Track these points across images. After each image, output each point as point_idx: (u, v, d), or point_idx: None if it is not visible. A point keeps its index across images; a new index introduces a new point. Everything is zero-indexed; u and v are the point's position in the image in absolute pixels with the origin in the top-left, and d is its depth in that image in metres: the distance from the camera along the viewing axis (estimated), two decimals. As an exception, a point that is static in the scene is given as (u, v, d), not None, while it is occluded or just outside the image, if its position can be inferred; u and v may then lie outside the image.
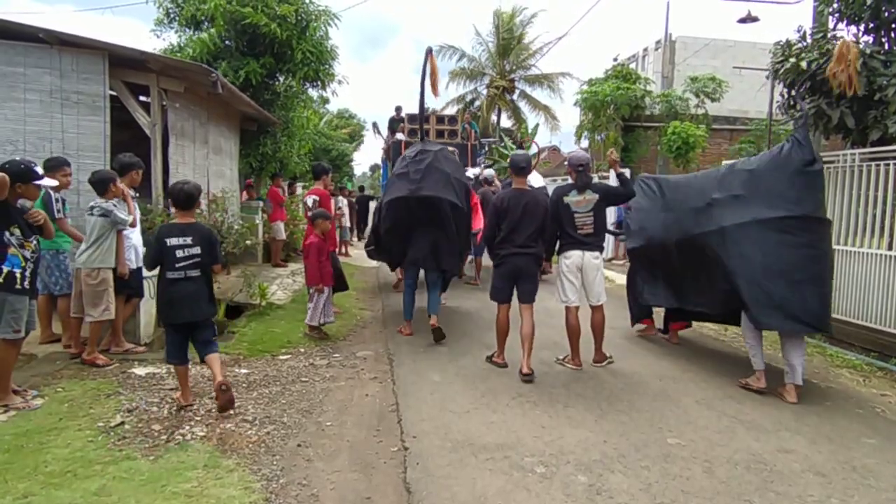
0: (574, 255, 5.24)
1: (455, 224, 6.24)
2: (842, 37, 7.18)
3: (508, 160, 5.50)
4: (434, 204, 6.05)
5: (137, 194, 5.56)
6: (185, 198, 4.12)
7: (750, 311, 4.79)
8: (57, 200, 4.94)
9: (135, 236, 5.35)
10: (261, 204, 11.31)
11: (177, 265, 4.01)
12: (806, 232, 4.75)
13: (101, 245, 4.93)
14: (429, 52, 6.61)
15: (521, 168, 5.32)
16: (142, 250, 5.38)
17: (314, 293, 6.18)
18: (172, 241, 4.01)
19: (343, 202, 15.01)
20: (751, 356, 4.96)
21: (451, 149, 7.73)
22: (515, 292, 5.26)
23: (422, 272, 6.54)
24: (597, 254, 5.28)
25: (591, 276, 5.24)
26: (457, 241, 6.38)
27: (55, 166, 5.00)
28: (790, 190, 4.79)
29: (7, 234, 3.87)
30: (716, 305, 5.43)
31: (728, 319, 5.82)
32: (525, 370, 5.01)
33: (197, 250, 4.06)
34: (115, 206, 4.95)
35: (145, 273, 5.55)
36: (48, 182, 4.26)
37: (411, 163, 6.27)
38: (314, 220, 6.31)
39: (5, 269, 3.85)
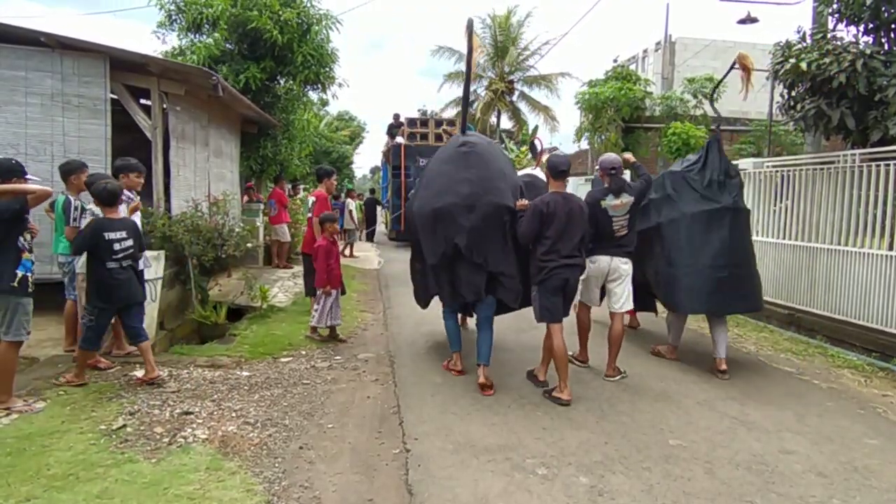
0: (601, 261, 5.09)
1: (514, 236, 4.82)
2: (841, 37, 7.20)
3: (546, 162, 4.89)
4: (491, 213, 4.73)
5: (136, 196, 5.48)
6: (108, 195, 4.57)
7: (683, 298, 5.46)
8: (76, 209, 4.92)
9: None
10: (261, 206, 11.33)
11: (114, 256, 4.49)
12: (729, 221, 5.43)
13: None
14: (470, 24, 5.30)
15: (562, 171, 4.74)
16: (144, 254, 5.36)
17: (321, 295, 6.18)
18: (111, 236, 4.49)
19: (352, 204, 15.03)
20: (672, 331, 5.84)
21: (491, 140, 6.24)
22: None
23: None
24: (627, 259, 5.12)
25: (618, 280, 5.11)
26: (515, 257, 4.86)
27: (72, 170, 5.01)
28: (711, 187, 5.55)
29: (21, 238, 4.01)
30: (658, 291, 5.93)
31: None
32: (565, 397, 4.51)
33: (130, 242, 4.61)
34: (91, 212, 4.83)
35: (147, 276, 5.55)
36: (35, 178, 4.48)
37: (455, 161, 4.99)
38: (322, 222, 6.32)
39: (19, 273, 3.98)
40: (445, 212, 4.77)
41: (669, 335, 5.90)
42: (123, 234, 4.56)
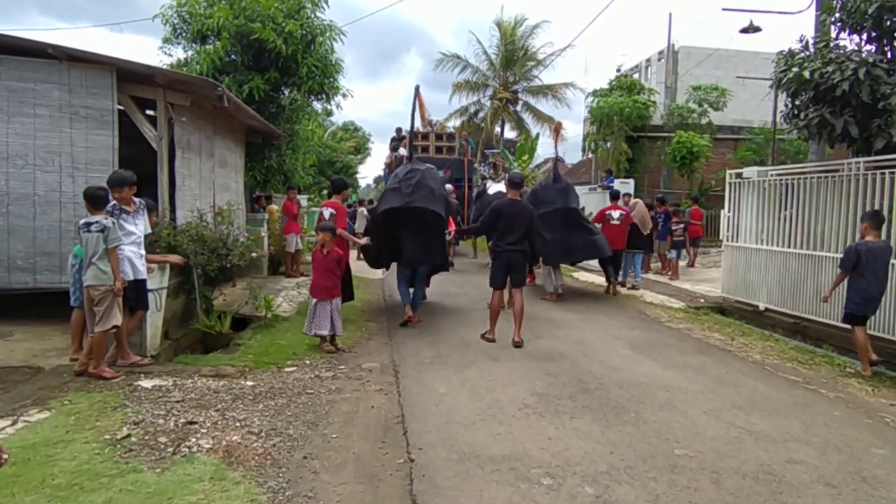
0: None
1: (439, 229, 7.62)
2: (844, 45, 7.22)
3: (506, 176, 6.87)
4: (423, 213, 7.24)
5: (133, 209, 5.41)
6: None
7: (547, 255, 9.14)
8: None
9: (128, 249, 5.16)
10: (266, 216, 11.36)
11: None
12: (564, 215, 9.05)
13: (101, 262, 4.82)
14: (416, 89, 8.91)
15: (516, 183, 6.78)
16: (139, 262, 5.30)
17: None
18: None
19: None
20: (547, 282, 9.40)
21: (432, 167, 8.85)
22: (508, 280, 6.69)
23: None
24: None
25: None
26: (443, 242, 7.90)
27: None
28: (556, 196, 9.18)
29: None
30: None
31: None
32: (517, 339, 6.28)
33: None
34: (113, 223, 4.84)
35: (152, 286, 5.57)
36: None
37: (403, 179, 7.43)
38: (317, 231, 6.35)
39: None
40: (397, 211, 7.29)
41: (550, 285, 9.26)
42: None
